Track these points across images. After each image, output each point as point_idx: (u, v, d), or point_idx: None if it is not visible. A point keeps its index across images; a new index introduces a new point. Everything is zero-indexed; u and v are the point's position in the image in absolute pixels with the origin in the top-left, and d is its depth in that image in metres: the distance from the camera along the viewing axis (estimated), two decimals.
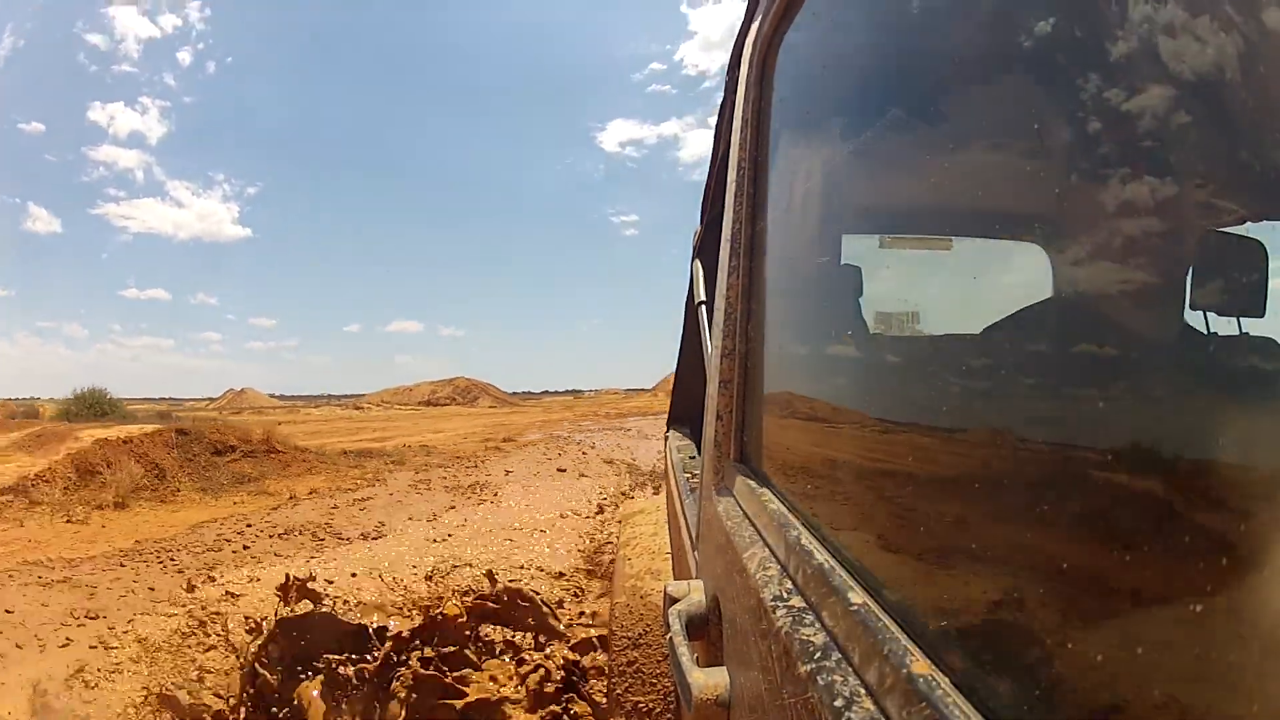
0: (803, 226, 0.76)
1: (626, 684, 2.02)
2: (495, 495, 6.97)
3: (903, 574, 0.44)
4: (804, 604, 0.49)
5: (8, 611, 4.14)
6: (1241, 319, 0.48)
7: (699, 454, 1.11)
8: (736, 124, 0.95)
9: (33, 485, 7.87)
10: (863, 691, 0.38)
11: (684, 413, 1.92)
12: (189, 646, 3.55)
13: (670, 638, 0.67)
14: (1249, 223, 0.36)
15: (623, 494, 6.73)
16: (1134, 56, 0.31)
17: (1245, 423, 0.25)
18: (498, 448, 11.65)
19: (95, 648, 3.67)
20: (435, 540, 5.45)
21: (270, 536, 5.73)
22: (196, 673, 3.27)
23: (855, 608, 0.42)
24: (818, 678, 0.40)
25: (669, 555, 1.78)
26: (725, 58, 1.20)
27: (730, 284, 0.87)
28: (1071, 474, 0.31)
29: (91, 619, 4.10)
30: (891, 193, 0.61)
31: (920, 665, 0.35)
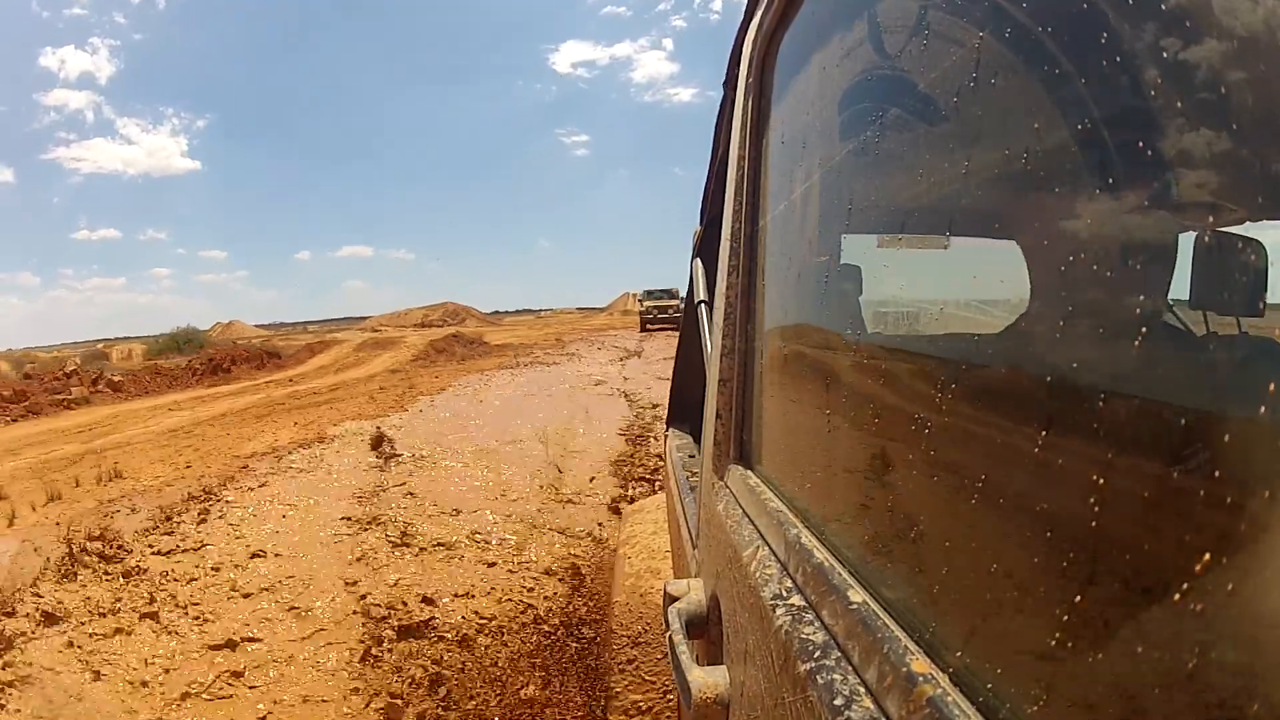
0: (803, 226, 0.76)
1: (626, 682, 2.03)
2: (583, 358, 15.59)
3: (903, 573, 0.44)
4: (804, 603, 0.49)
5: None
6: (1241, 319, 0.48)
7: (699, 453, 1.11)
8: (736, 123, 0.95)
9: (418, 360, 16.94)
10: (862, 690, 0.38)
11: (684, 412, 1.92)
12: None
13: (670, 636, 0.67)
14: (1249, 223, 0.36)
15: (627, 357, 15.33)
16: (1136, 56, 0.31)
17: (1244, 423, 0.25)
18: (556, 342, 22.18)
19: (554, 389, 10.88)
20: (581, 364, 13.62)
21: (530, 362, 14.30)
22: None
23: (855, 606, 0.42)
24: (817, 676, 0.40)
25: (668, 554, 1.78)
26: None
27: (730, 284, 0.87)
28: (1072, 473, 0.31)
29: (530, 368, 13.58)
30: (892, 193, 0.60)
31: (920, 664, 0.35)
